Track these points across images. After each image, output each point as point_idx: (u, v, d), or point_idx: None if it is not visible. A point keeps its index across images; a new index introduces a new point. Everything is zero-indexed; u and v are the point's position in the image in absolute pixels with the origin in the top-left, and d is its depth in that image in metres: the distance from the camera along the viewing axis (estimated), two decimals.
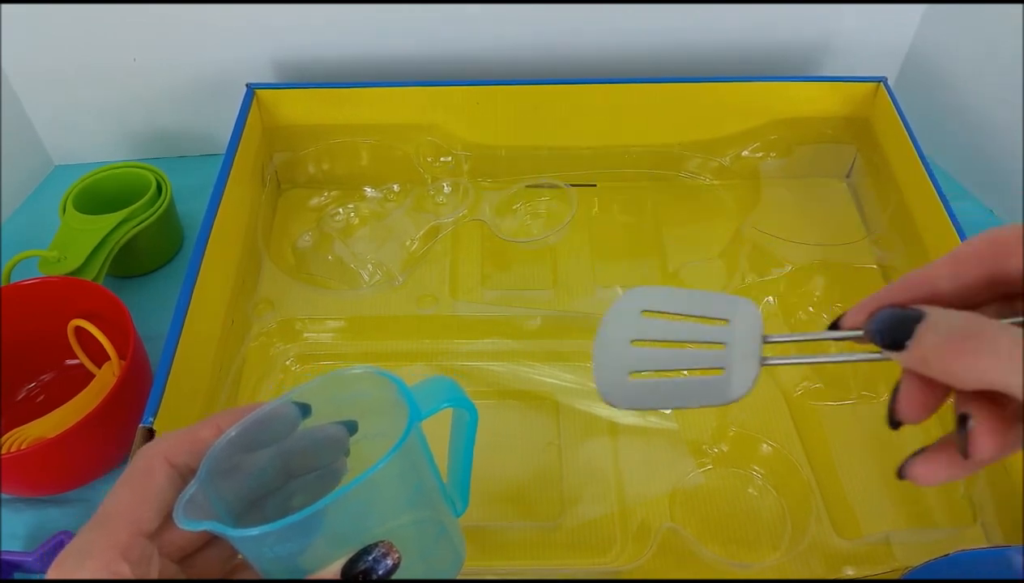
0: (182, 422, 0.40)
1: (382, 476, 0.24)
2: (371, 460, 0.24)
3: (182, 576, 0.27)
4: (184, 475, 0.27)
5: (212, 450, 0.26)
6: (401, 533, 0.26)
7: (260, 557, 0.25)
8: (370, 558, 0.24)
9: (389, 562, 0.25)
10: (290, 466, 0.29)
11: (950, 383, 0.21)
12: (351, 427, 0.30)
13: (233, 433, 0.27)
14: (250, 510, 0.28)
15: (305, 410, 0.28)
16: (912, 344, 0.21)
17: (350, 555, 0.24)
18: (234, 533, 0.24)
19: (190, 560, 0.28)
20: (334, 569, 0.24)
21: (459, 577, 0.40)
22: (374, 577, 0.24)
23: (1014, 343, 0.19)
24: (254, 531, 0.23)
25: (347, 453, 0.30)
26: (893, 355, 0.22)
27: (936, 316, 0.21)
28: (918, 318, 0.22)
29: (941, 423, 0.47)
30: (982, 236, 0.23)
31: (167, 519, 0.26)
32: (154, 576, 0.25)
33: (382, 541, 0.25)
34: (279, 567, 0.25)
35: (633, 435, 0.46)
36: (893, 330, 0.22)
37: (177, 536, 0.27)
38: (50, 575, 0.24)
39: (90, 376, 0.49)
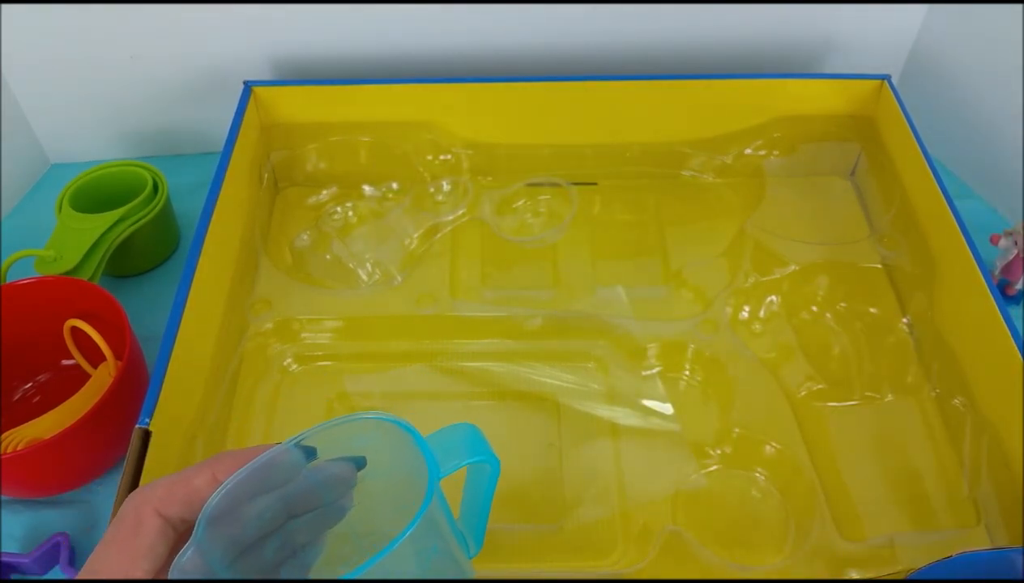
0: (179, 423, 0.40)
1: (400, 547, 0.23)
2: (378, 498, 0.23)
3: None
4: (177, 527, 0.25)
5: (209, 506, 0.25)
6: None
7: None
8: None
9: None
10: (292, 508, 0.28)
11: None
12: (359, 462, 0.28)
13: (231, 485, 0.25)
14: (248, 553, 0.27)
15: (310, 454, 0.27)
16: None
17: None
18: None
19: None
20: None
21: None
22: None
23: None
24: None
25: (353, 486, 0.29)
26: None
27: None
28: None
29: (944, 421, 0.47)
30: None
31: (161, 574, 0.25)
32: None
33: None
34: None
35: (635, 437, 0.46)
36: None
37: None
38: None
39: (86, 376, 0.49)
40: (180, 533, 0.25)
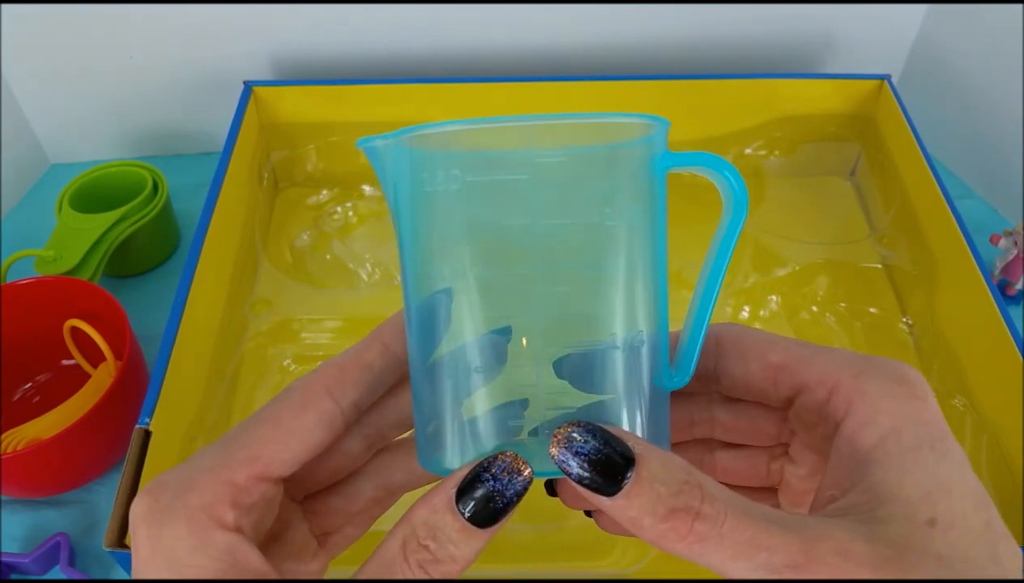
0: (179, 423, 0.40)
1: (599, 165, 0.19)
2: None
3: (300, 522, 0.23)
4: (346, 414, 0.21)
5: None
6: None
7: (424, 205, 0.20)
8: (489, 476, 0.19)
9: (519, 481, 0.19)
10: None
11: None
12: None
13: None
14: None
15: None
16: (621, 498, 0.18)
17: (463, 475, 0.19)
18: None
19: (319, 503, 0.24)
20: (444, 498, 0.19)
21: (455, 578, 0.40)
22: (500, 504, 0.19)
23: (738, 524, 0.17)
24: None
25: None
26: (597, 499, 0.18)
27: (655, 462, 0.18)
28: (628, 462, 0.18)
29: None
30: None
31: (310, 465, 0.22)
32: (264, 526, 0.21)
33: (504, 453, 0.19)
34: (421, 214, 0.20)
35: None
36: (596, 466, 0.18)
37: (315, 478, 0.23)
38: (141, 499, 0.19)
39: (86, 377, 0.49)
40: (348, 422, 0.22)
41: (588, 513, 0.24)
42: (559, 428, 0.19)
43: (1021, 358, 0.41)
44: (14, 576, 0.43)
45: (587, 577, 0.41)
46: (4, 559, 0.42)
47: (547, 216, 0.19)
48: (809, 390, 0.21)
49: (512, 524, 0.42)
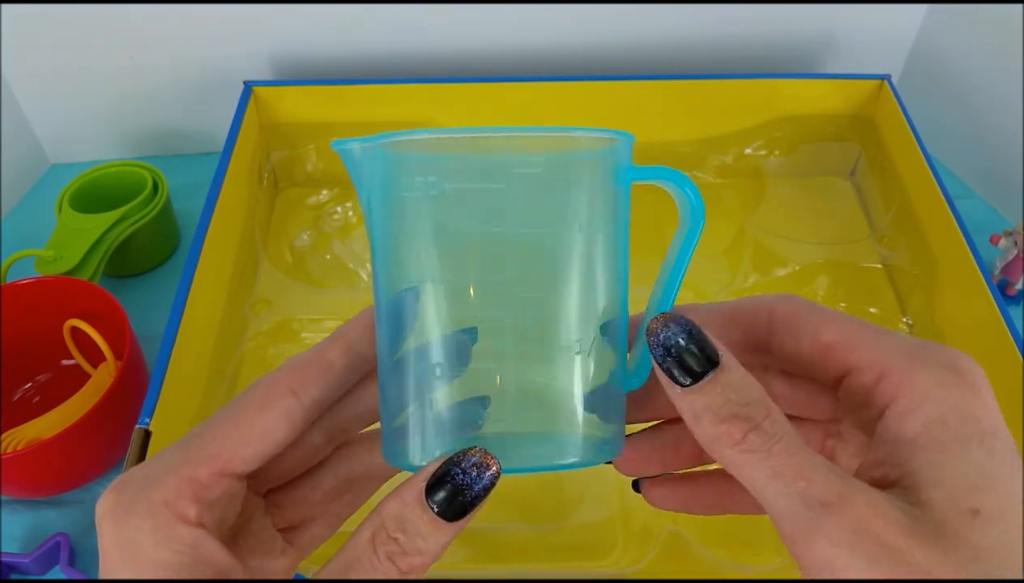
0: (179, 423, 0.40)
1: (568, 178, 0.20)
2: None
3: (264, 520, 0.23)
4: (308, 410, 0.22)
5: None
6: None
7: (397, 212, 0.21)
8: (459, 471, 0.19)
9: (487, 475, 0.19)
10: None
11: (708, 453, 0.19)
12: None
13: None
14: None
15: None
16: (694, 390, 0.19)
17: (433, 470, 0.20)
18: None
19: (281, 496, 0.24)
20: (414, 492, 0.19)
21: (455, 578, 0.40)
22: (468, 498, 0.19)
23: (791, 449, 0.18)
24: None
25: None
26: (670, 388, 0.20)
27: (735, 373, 0.19)
28: (711, 364, 0.19)
29: None
30: (761, 303, 0.23)
31: (272, 460, 0.22)
32: (228, 522, 0.21)
33: (473, 448, 0.20)
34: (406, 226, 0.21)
35: None
36: (682, 357, 0.20)
37: (277, 472, 0.23)
38: (106, 496, 0.20)
39: (86, 377, 0.49)
40: (310, 419, 0.22)
41: (635, 487, 0.25)
42: (655, 318, 0.20)
43: (1021, 358, 0.41)
44: (14, 576, 0.43)
45: (587, 577, 0.41)
46: (4, 559, 0.42)
47: (513, 223, 0.21)
48: (859, 372, 0.20)
49: (512, 524, 0.42)
